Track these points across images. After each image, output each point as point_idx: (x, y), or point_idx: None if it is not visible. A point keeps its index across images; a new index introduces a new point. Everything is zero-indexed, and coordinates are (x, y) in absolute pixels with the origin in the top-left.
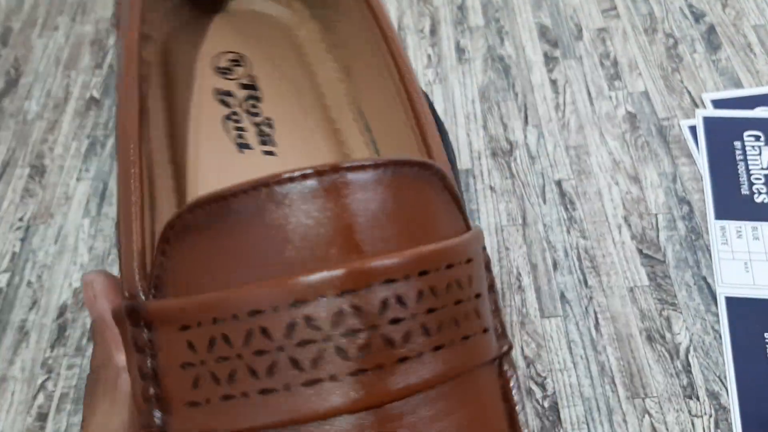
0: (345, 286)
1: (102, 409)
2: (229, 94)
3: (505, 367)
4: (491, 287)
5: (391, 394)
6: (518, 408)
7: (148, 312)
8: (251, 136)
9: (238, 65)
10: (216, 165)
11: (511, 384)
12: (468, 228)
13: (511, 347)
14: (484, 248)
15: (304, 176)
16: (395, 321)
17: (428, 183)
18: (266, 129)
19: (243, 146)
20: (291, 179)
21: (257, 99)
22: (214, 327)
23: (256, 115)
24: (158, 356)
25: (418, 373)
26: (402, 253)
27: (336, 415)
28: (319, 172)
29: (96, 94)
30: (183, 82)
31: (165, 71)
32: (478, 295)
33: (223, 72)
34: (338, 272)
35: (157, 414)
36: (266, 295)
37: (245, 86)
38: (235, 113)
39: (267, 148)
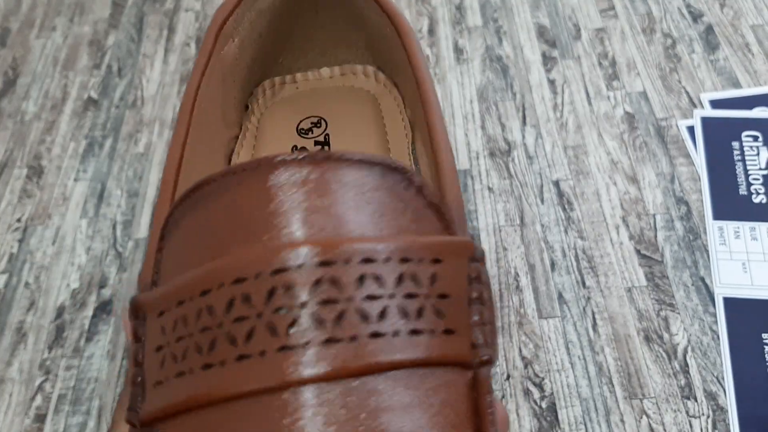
0: (323, 257)
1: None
2: (304, 149)
3: (482, 378)
4: (479, 299)
5: (350, 369)
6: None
7: (140, 304)
8: None
9: (317, 126)
10: None
11: (487, 400)
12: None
13: (490, 360)
14: (478, 261)
15: (295, 162)
16: (371, 297)
17: (409, 191)
18: None
19: None
20: (283, 162)
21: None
22: (178, 309)
23: None
24: (145, 344)
25: (388, 352)
26: (386, 236)
27: (302, 384)
28: (310, 162)
29: (94, 95)
30: (269, 143)
31: (255, 135)
32: (442, 296)
33: (304, 132)
34: (317, 247)
35: (138, 398)
36: (251, 262)
37: (318, 143)
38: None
39: None
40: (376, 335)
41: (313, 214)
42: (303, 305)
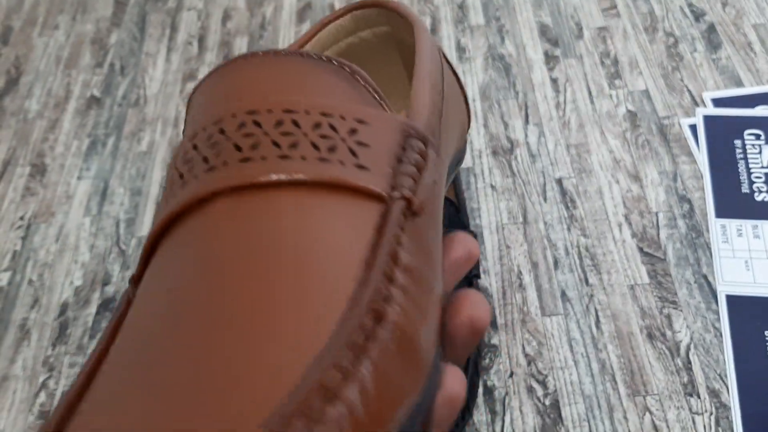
0: (252, 107)
1: None
2: None
3: (394, 213)
4: (416, 166)
5: (260, 181)
6: (385, 251)
7: None
8: None
9: None
10: None
11: (392, 233)
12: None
13: (407, 198)
14: (421, 140)
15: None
16: (285, 133)
17: (344, 75)
18: None
19: None
20: (244, 57)
21: None
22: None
23: None
24: None
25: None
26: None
27: (221, 191)
28: (276, 54)
29: (97, 93)
30: None
31: None
32: (360, 143)
33: None
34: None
35: None
36: (223, 111)
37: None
38: None
39: None
40: (284, 157)
41: (268, 84)
42: (226, 137)
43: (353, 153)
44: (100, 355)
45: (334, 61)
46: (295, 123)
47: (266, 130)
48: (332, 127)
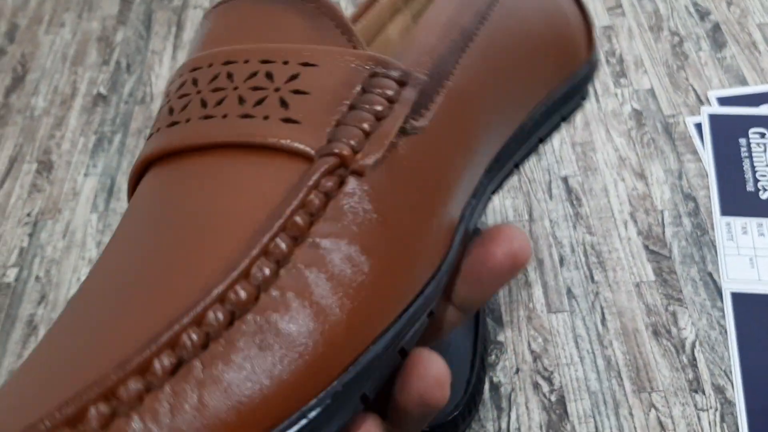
0: (197, 64)
1: None
2: None
3: (316, 167)
4: (372, 111)
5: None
6: (296, 205)
7: None
8: None
9: None
10: None
11: (307, 186)
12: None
13: (340, 155)
14: (393, 79)
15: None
16: (215, 90)
17: (308, 13)
18: None
19: None
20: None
21: None
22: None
23: None
24: None
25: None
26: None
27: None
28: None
29: (103, 91)
30: None
31: None
32: (297, 91)
33: None
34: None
35: None
36: (186, 63)
37: None
38: None
39: None
40: (206, 117)
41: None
42: (172, 96)
43: (284, 104)
44: None
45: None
46: (229, 76)
47: (200, 87)
48: (269, 76)
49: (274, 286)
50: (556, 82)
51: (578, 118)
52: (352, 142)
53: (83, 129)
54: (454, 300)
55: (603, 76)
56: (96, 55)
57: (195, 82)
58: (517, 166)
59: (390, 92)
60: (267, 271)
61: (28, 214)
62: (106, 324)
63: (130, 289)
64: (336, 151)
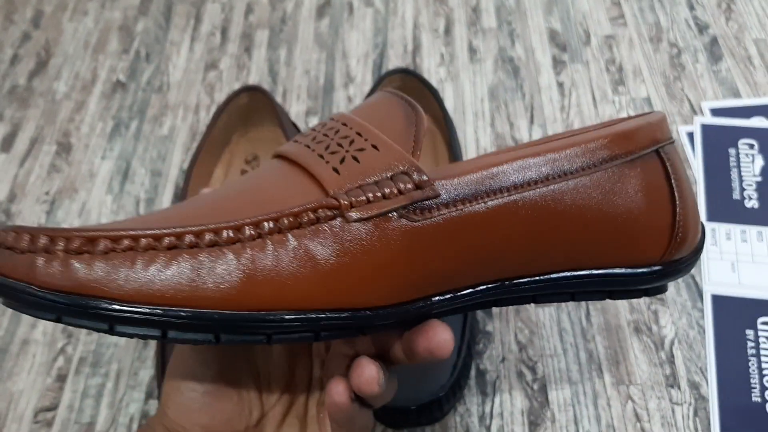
0: (338, 117)
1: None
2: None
3: (321, 202)
4: (391, 191)
5: (284, 153)
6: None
7: None
8: None
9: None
10: None
11: (312, 205)
12: (415, 149)
13: (336, 199)
14: (422, 187)
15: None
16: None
17: (403, 108)
18: None
19: None
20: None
21: None
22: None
23: None
24: None
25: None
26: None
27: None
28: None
29: (122, 78)
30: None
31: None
32: (353, 158)
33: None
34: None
35: None
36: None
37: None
38: None
39: None
40: (306, 146)
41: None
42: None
43: (342, 161)
44: None
45: (405, 99)
46: (337, 131)
47: (324, 131)
48: (351, 142)
49: (294, 233)
50: (607, 262)
51: (576, 123)
52: (353, 199)
53: (102, 114)
54: (393, 352)
55: (602, 83)
56: (117, 44)
57: (324, 125)
58: (535, 300)
59: (402, 186)
60: (289, 221)
61: (47, 193)
62: (238, 197)
63: (244, 195)
64: (338, 199)
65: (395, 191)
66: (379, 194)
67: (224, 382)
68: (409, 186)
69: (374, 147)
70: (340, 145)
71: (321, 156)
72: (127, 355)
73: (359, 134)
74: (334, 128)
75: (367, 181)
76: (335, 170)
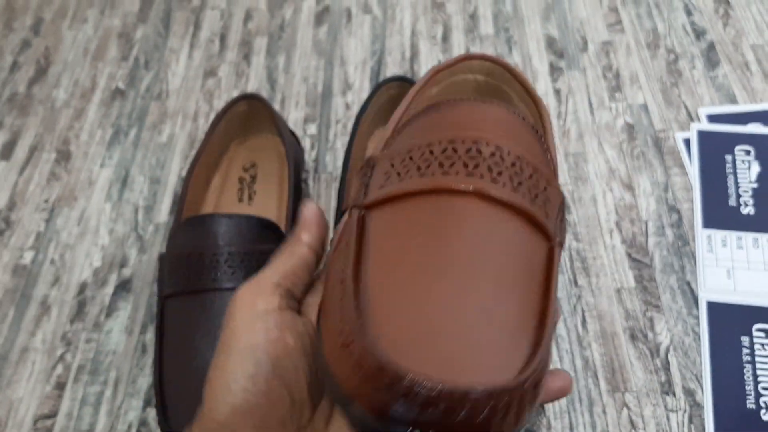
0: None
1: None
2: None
3: (556, 254)
4: (561, 224)
5: (482, 192)
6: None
7: (374, 158)
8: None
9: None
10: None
11: (555, 268)
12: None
13: (562, 244)
14: (564, 203)
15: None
16: (496, 164)
17: (537, 138)
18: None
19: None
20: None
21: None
22: (407, 154)
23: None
24: (372, 176)
25: (500, 191)
26: (510, 143)
27: (449, 192)
28: (483, 102)
29: (121, 86)
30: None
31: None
32: (548, 198)
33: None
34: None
35: (361, 195)
36: (436, 137)
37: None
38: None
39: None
40: (494, 181)
41: (480, 123)
42: (434, 156)
43: (531, 194)
44: (356, 254)
45: (516, 113)
46: (501, 158)
47: (460, 154)
48: (521, 169)
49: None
50: None
51: (572, 129)
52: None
53: (101, 121)
54: None
55: (599, 90)
56: (116, 51)
57: (455, 149)
58: None
59: (565, 217)
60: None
61: (46, 201)
62: None
63: None
64: (560, 240)
65: (564, 226)
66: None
67: (277, 381)
68: (563, 212)
69: (548, 183)
70: (517, 173)
71: (515, 189)
72: (126, 363)
73: (530, 165)
74: (469, 148)
75: (550, 212)
76: (534, 204)
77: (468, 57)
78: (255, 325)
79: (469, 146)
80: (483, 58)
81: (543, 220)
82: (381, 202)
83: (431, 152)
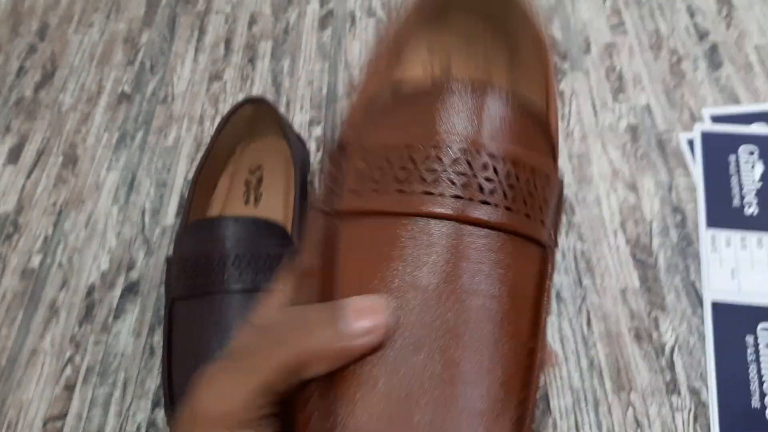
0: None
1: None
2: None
3: (549, 262)
4: (558, 217)
5: (470, 218)
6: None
7: (346, 140)
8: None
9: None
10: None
11: (549, 280)
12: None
13: (556, 247)
14: (562, 190)
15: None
16: (488, 179)
17: (537, 124)
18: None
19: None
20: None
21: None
22: (383, 152)
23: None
24: (344, 167)
25: (490, 215)
26: (505, 146)
27: (433, 217)
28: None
29: (127, 89)
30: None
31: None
32: (545, 200)
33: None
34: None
35: (334, 198)
36: (418, 138)
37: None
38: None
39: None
40: (484, 203)
41: (470, 122)
42: (446, 171)
43: (541, 210)
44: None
45: (512, 98)
46: (517, 177)
47: (446, 166)
48: (534, 185)
49: None
50: None
51: (576, 131)
52: (554, 242)
53: (107, 125)
54: None
55: (602, 91)
56: (122, 55)
57: (469, 163)
58: None
59: (564, 205)
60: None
61: (54, 204)
62: None
63: None
64: (553, 246)
65: (560, 219)
66: (553, 227)
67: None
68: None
69: (547, 177)
70: (510, 186)
71: (508, 209)
72: (134, 364)
73: (516, 163)
74: (457, 159)
75: (545, 213)
76: (527, 216)
77: None
78: None
79: (457, 156)
80: None
81: (538, 234)
82: (354, 214)
83: (412, 160)
